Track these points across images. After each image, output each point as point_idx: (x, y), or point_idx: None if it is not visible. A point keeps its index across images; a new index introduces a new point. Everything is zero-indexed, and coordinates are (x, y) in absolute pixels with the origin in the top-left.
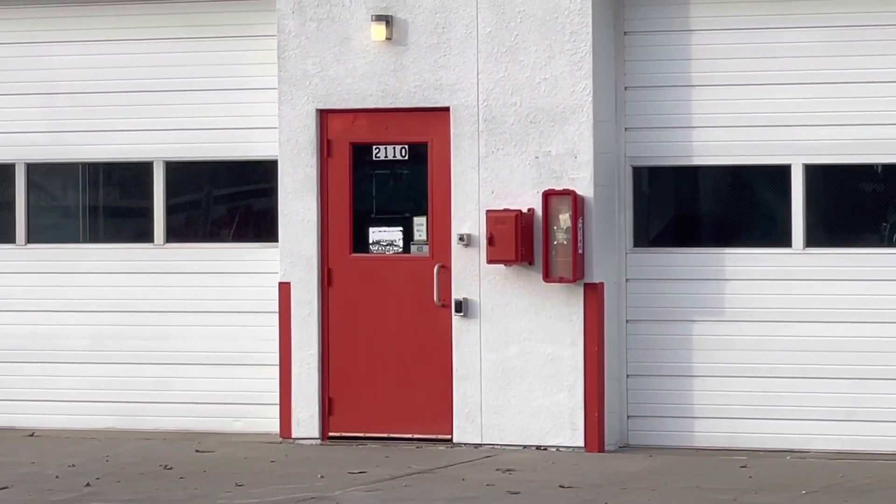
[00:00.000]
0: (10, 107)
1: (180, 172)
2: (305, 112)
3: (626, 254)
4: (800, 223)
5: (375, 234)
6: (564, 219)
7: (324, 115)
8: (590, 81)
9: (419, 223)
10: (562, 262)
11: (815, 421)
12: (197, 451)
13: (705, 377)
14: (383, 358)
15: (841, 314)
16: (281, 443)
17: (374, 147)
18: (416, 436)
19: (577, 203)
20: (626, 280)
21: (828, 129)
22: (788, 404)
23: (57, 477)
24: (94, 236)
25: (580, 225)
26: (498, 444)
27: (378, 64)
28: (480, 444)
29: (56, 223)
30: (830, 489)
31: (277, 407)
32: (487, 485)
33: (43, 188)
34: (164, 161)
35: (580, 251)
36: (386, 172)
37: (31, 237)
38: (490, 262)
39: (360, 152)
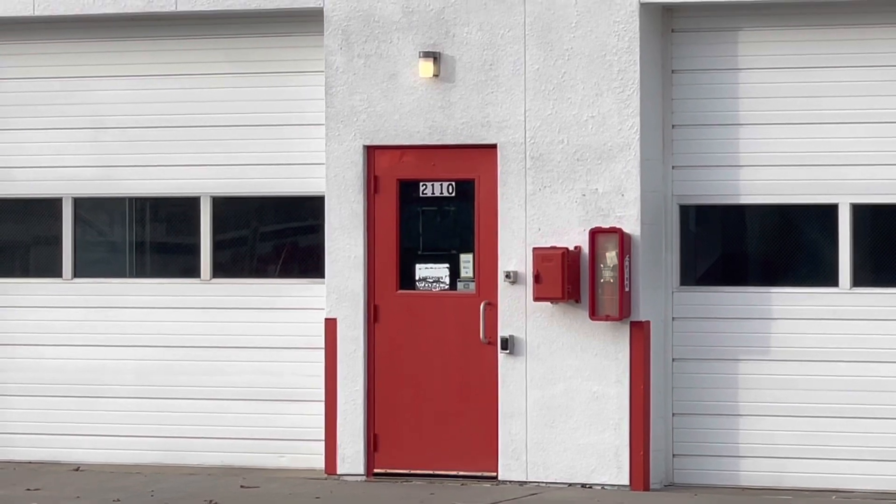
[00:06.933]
0: (58, 141)
1: (227, 208)
2: (353, 148)
3: (673, 292)
4: (847, 262)
5: (422, 270)
6: (611, 256)
7: (371, 152)
8: (637, 119)
9: (466, 260)
10: (608, 300)
11: (862, 461)
12: (242, 486)
13: (751, 416)
14: (429, 394)
15: (888, 354)
16: (326, 479)
17: (421, 183)
18: (461, 473)
19: (623, 241)
20: (673, 318)
21: (875, 169)
22: (834, 444)
23: None
24: (141, 271)
25: (627, 263)
26: (543, 482)
27: (425, 100)
28: (525, 482)
29: (103, 258)
30: None
31: (323, 443)
32: None
33: (90, 223)
34: (211, 196)
35: (627, 289)
36: (433, 209)
37: (78, 272)
38: (536, 299)
39: (407, 189)
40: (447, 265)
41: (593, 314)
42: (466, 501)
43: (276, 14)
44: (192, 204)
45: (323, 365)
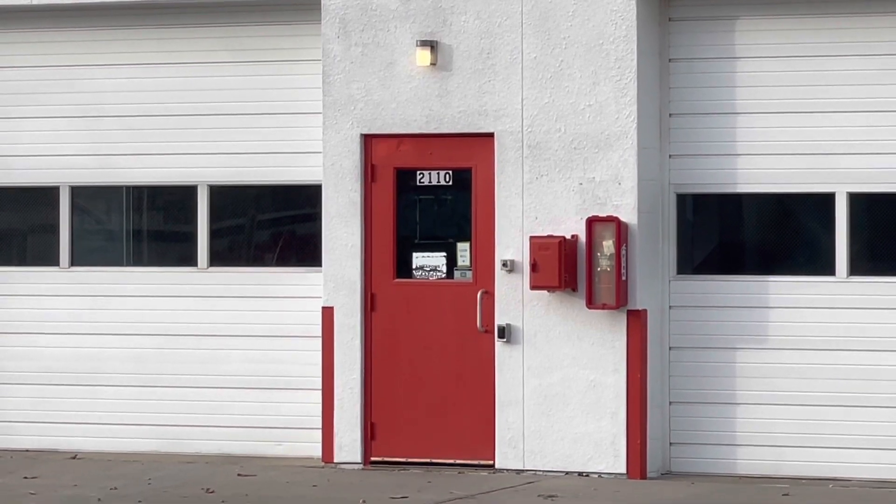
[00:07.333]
0: (56, 129)
1: (224, 196)
2: (350, 137)
3: (670, 281)
4: (844, 251)
5: (419, 259)
6: (608, 245)
7: (368, 140)
8: (634, 108)
9: (463, 249)
10: (605, 289)
11: (859, 449)
12: (239, 474)
13: (748, 405)
14: (426, 383)
15: (885, 343)
16: (323, 467)
17: (419, 172)
18: (458, 461)
19: (620, 230)
20: (670, 307)
21: (872, 158)
22: (832, 432)
23: (99, 500)
24: (138, 260)
25: (624, 252)
26: (540, 471)
27: (423, 89)
28: (522, 471)
29: (100, 246)
30: None
31: (320, 431)
32: None
33: (87, 211)
34: (208, 185)
35: (623, 278)
36: (430, 198)
37: (75, 260)
38: (533, 288)
39: (404, 177)
40: (444, 254)
41: (590, 303)
42: (463, 490)
43: (273, 2)
44: (189, 192)
45: (320, 353)
